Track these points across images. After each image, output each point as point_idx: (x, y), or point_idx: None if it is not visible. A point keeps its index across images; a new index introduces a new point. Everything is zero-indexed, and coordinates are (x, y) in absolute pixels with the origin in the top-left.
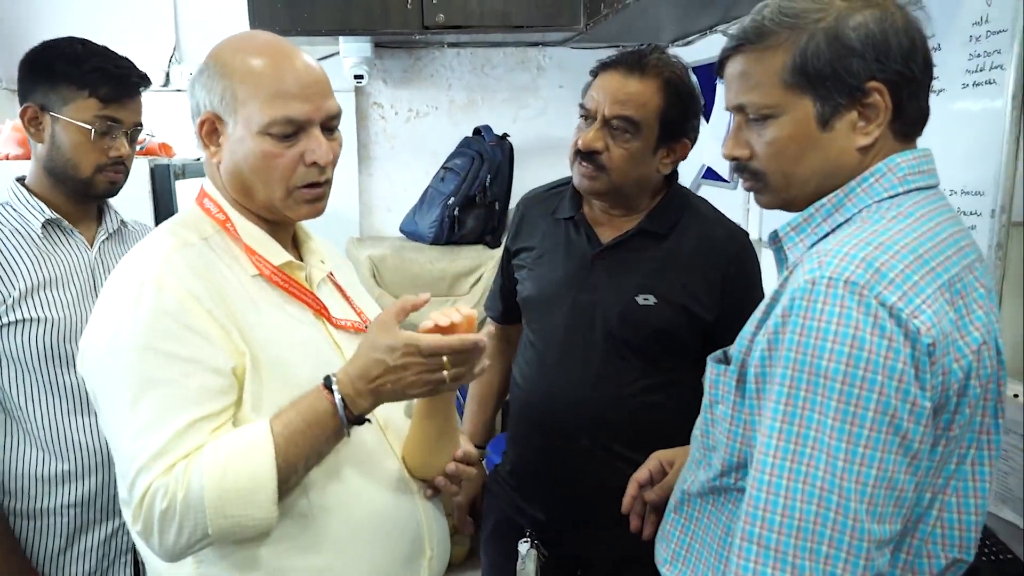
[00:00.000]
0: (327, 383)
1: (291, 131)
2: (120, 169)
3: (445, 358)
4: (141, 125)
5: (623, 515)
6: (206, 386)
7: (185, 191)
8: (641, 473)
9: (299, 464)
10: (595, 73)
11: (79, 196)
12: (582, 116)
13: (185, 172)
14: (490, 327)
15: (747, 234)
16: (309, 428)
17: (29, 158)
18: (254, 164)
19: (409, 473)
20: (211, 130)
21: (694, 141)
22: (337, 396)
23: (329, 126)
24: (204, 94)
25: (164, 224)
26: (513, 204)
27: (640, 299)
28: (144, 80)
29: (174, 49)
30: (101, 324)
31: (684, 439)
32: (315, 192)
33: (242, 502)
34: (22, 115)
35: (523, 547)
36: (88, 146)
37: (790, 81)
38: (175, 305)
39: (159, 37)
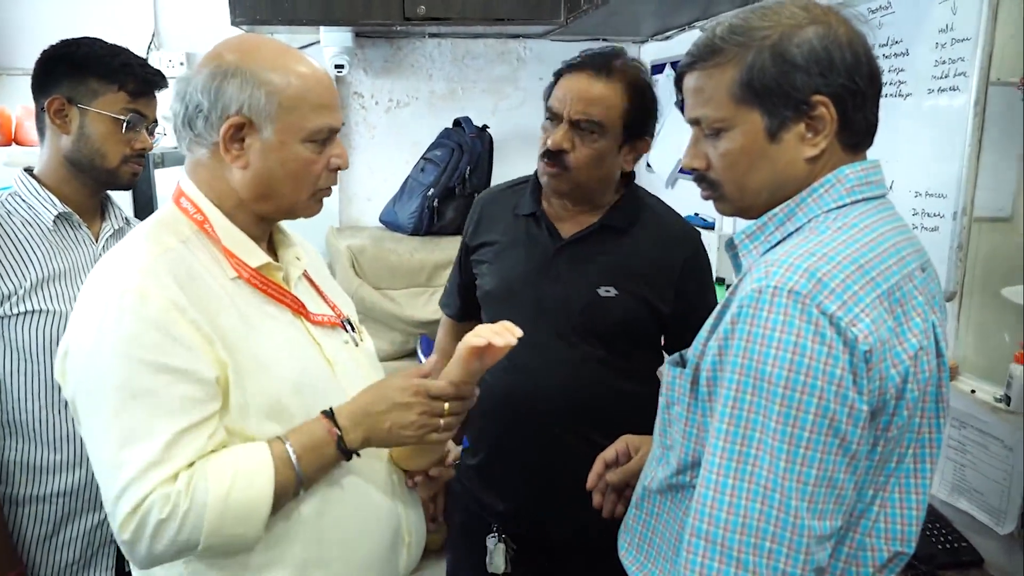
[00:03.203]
0: (327, 413)
1: (326, 138)
2: (141, 161)
3: (447, 405)
4: (157, 122)
5: (590, 503)
6: (190, 396)
7: (164, 180)
8: (608, 453)
9: (291, 488)
10: (559, 75)
11: (100, 186)
12: (548, 118)
13: (164, 161)
14: (445, 324)
15: (699, 233)
16: (305, 454)
17: (6, 144)
18: (294, 169)
19: (395, 463)
20: (235, 133)
21: (653, 137)
22: (336, 427)
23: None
24: (243, 97)
25: (142, 226)
26: None
27: (602, 291)
28: (163, 79)
29: (153, 36)
30: (82, 332)
31: (649, 425)
32: (328, 192)
33: (237, 523)
34: (48, 107)
35: (491, 542)
36: (117, 137)
37: (739, 96)
38: (158, 315)
39: (138, 24)
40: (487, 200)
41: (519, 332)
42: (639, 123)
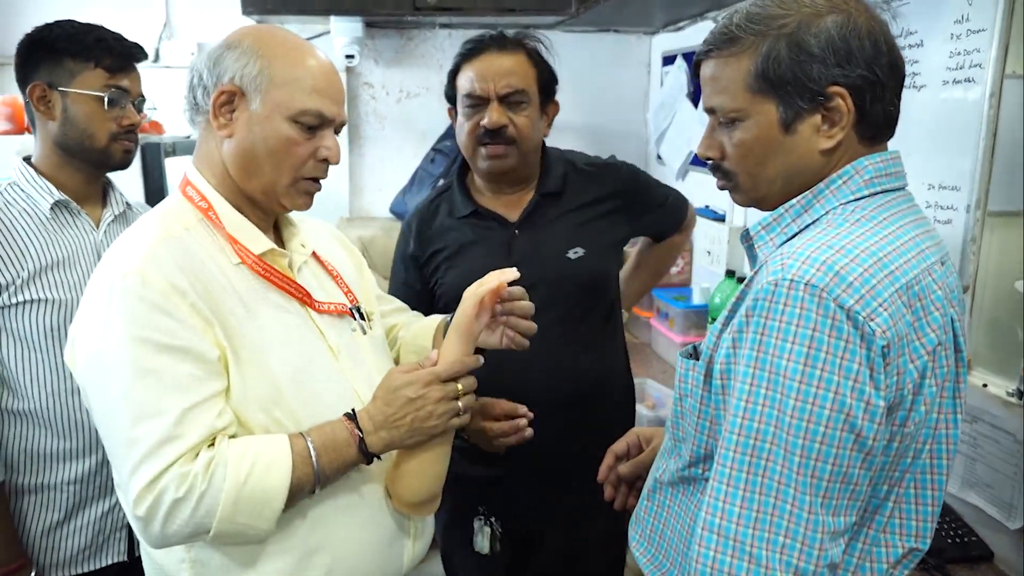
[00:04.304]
0: (350, 415)
1: (316, 124)
2: (132, 138)
3: (460, 385)
4: (144, 97)
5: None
6: (195, 374)
7: (175, 169)
8: (619, 445)
9: (308, 485)
10: (458, 66)
11: (95, 168)
12: (470, 105)
13: (176, 150)
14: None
15: (614, 157)
16: (326, 452)
17: (20, 133)
18: (274, 146)
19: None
20: (227, 102)
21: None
22: (358, 429)
23: (337, 131)
24: (237, 67)
25: (148, 215)
26: None
27: (571, 254)
28: (141, 51)
29: (164, 26)
30: (88, 316)
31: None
32: (316, 186)
33: (251, 512)
34: (30, 94)
35: (476, 524)
36: (101, 115)
37: (754, 86)
38: (159, 297)
39: (149, 13)
40: (419, 214)
41: (510, 272)
42: (549, 85)
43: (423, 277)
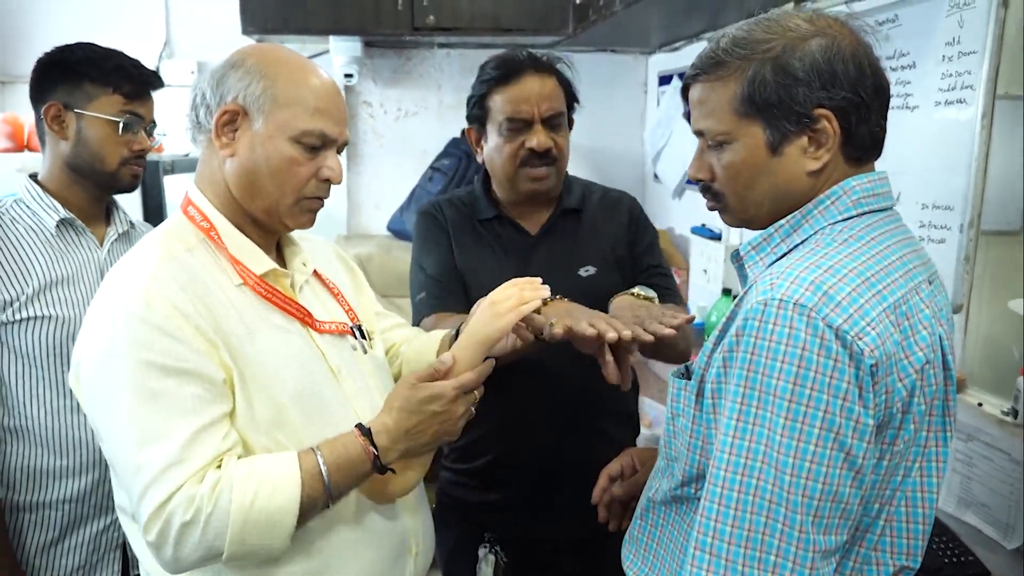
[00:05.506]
0: (363, 430)
1: (318, 144)
2: (141, 163)
3: (476, 393)
4: (155, 123)
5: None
6: (200, 396)
7: (174, 187)
8: (613, 467)
9: (320, 501)
10: (490, 88)
11: (102, 190)
12: (511, 129)
13: (174, 168)
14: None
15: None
16: (338, 471)
17: (19, 151)
18: (277, 166)
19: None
20: (229, 121)
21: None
22: (372, 445)
23: (339, 151)
24: (240, 87)
25: (150, 236)
26: None
27: (582, 272)
28: (159, 79)
29: (165, 45)
30: (92, 338)
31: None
32: (318, 204)
33: (261, 532)
34: (45, 113)
35: (481, 552)
36: (114, 140)
37: (740, 109)
38: (163, 320)
39: (150, 33)
40: (440, 206)
41: (545, 289)
42: (572, 105)
43: (452, 256)
